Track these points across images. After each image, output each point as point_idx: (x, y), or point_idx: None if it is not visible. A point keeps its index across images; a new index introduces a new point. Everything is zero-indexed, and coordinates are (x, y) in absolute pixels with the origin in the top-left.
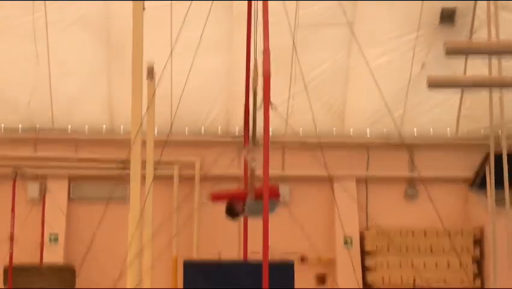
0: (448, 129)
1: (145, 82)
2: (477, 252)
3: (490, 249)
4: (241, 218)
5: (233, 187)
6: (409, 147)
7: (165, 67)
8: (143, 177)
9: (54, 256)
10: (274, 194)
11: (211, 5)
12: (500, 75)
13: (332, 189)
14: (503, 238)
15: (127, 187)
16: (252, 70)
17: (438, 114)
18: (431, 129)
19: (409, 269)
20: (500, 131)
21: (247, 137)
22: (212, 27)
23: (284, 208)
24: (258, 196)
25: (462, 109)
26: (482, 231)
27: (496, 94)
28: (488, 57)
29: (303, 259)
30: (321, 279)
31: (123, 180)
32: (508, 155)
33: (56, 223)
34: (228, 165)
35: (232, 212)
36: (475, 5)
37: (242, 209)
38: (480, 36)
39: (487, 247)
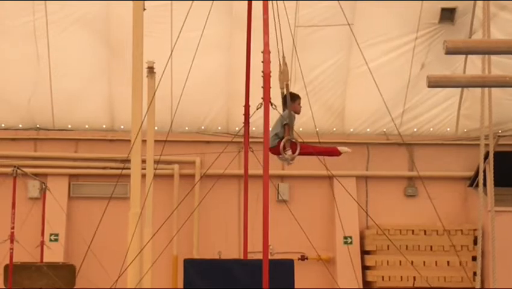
0: (448, 128)
1: (145, 81)
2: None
3: (489, 248)
4: None
5: (233, 186)
6: (408, 146)
7: (166, 67)
8: (143, 176)
9: (54, 255)
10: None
11: (211, 5)
12: (500, 74)
13: (332, 188)
14: (503, 236)
15: (127, 186)
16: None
17: (437, 113)
18: (431, 128)
19: (409, 268)
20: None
21: (247, 136)
22: (213, 27)
23: (283, 206)
24: None
25: (461, 109)
26: (482, 230)
27: (496, 92)
28: (488, 56)
29: (303, 258)
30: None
31: (123, 179)
32: (508, 154)
33: (56, 221)
34: (228, 164)
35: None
36: (474, 4)
37: None
38: (480, 36)
39: (487, 245)
